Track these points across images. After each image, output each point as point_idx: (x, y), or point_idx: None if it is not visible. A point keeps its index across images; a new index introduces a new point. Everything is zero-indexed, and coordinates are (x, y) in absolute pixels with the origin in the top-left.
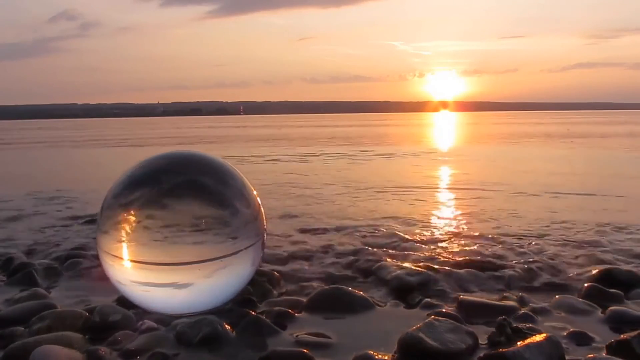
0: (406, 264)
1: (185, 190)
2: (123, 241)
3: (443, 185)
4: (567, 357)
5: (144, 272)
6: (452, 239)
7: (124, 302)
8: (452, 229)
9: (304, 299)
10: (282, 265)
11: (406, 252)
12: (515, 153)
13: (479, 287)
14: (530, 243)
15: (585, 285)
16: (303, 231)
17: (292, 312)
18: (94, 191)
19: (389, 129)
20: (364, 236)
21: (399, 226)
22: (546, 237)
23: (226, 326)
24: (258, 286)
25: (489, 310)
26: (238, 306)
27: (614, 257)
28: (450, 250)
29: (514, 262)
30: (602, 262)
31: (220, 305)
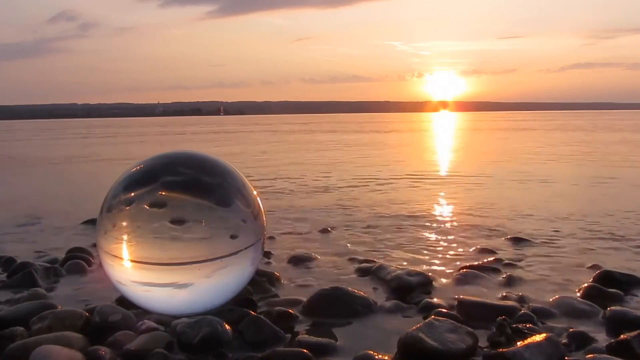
0: (406, 265)
1: (185, 190)
2: (123, 241)
3: None
4: (567, 357)
5: (144, 272)
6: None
7: (124, 302)
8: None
9: (304, 299)
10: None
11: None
12: None
13: (479, 287)
14: None
15: (585, 285)
16: None
17: (292, 312)
18: (94, 191)
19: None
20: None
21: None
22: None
23: (226, 326)
24: (258, 286)
25: (489, 310)
26: (238, 306)
27: None
28: (450, 250)
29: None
30: None
31: (220, 305)
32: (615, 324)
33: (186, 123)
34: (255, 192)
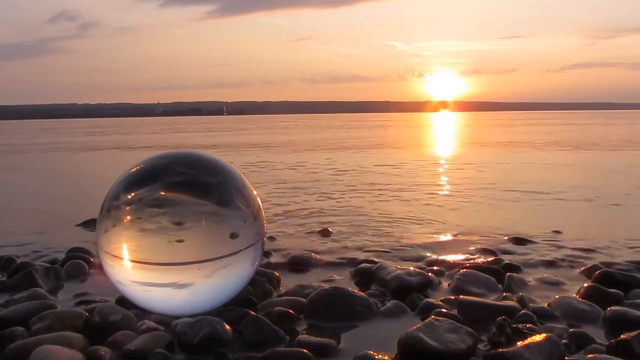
0: (406, 265)
1: (185, 190)
2: (123, 241)
3: None
4: (567, 357)
5: (144, 272)
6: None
7: (124, 302)
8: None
9: (304, 300)
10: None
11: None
12: None
13: (479, 287)
14: None
15: (585, 285)
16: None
17: (292, 312)
18: (94, 191)
19: None
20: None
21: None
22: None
23: (226, 326)
24: (258, 286)
25: (489, 310)
26: (238, 306)
27: None
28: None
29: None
30: None
31: (221, 305)
32: (615, 324)
33: (190, 125)
34: (255, 192)
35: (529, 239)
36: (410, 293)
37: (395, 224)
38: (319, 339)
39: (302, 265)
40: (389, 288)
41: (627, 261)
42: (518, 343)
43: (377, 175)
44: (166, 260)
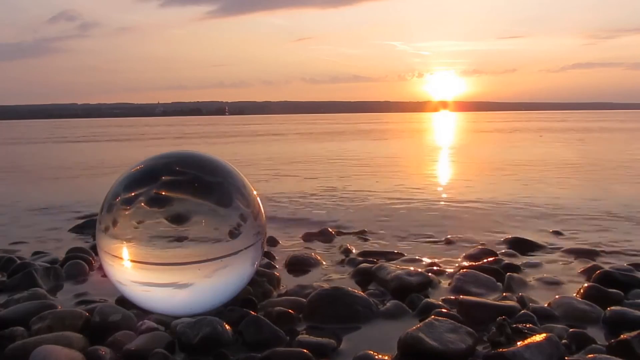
0: (406, 265)
1: (185, 190)
2: (123, 241)
3: None
4: (567, 357)
5: (144, 272)
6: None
7: (124, 302)
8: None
9: (304, 300)
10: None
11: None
12: None
13: (479, 287)
14: None
15: (585, 285)
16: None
17: (292, 312)
18: (94, 191)
19: None
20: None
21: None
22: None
23: (226, 326)
24: (258, 286)
25: (489, 310)
26: (238, 306)
27: None
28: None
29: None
30: None
31: (221, 305)
32: (615, 324)
33: (202, 126)
34: (255, 192)
35: (529, 239)
36: (410, 293)
37: (395, 225)
38: (319, 339)
39: (302, 265)
40: (389, 288)
41: (628, 264)
42: (518, 343)
43: (377, 178)
44: (166, 260)
